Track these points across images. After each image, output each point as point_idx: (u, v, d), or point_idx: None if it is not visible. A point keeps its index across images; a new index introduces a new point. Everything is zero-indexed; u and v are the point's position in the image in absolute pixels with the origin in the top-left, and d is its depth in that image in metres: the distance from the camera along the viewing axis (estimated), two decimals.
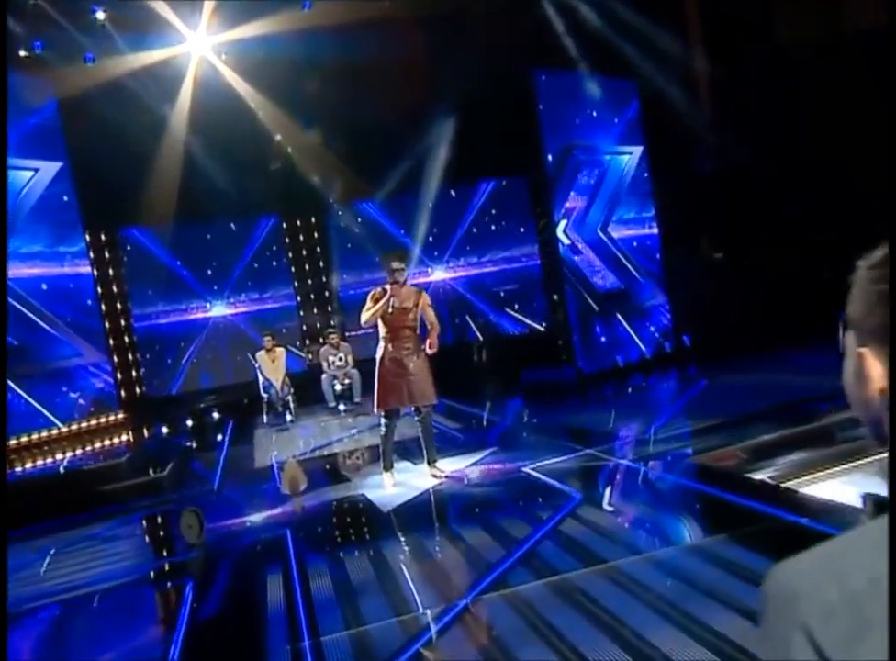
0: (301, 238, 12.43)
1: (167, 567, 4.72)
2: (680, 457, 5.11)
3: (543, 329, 11.83)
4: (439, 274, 12.04)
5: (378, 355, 5.48)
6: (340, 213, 12.20)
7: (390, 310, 5.34)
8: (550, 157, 9.90)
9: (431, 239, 11.76)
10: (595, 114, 10.40)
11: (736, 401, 6.61)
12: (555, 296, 10.62)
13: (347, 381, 9.99)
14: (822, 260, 9.60)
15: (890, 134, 6.03)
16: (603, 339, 10.13)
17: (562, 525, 4.16)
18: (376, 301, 5.38)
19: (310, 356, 11.91)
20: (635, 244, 10.68)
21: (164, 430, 10.08)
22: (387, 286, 5.41)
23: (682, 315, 10.69)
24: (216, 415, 10.89)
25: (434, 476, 5.64)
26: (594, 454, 5.62)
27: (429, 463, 5.72)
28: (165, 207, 10.49)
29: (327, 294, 12.50)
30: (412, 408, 5.58)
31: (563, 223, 10.02)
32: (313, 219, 12.47)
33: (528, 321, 11.96)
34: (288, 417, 9.77)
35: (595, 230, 10.39)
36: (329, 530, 4.97)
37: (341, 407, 9.97)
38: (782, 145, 9.81)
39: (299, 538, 4.67)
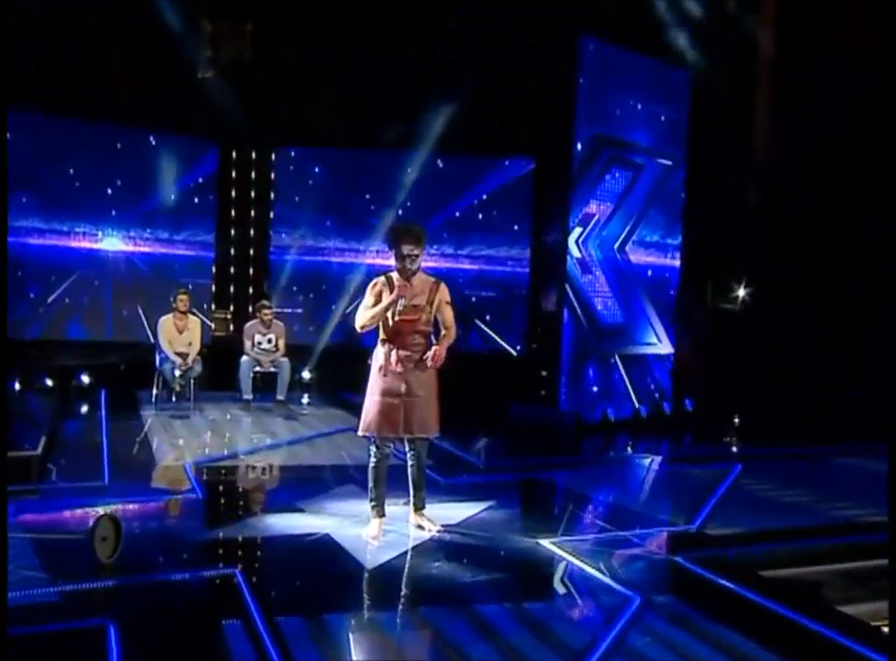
0: (235, 174, 11.78)
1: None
2: (744, 567, 4.89)
3: (514, 353, 11.58)
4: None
5: (374, 364, 5.06)
6: (294, 155, 11.62)
7: (398, 311, 4.93)
8: (579, 145, 9.66)
9: (401, 212, 11.33)
10: (639, 106, 10.23)
11: (781, 494, 6.54)
12: (542, 318, 10.42)
13: (273, 370, 9.45)
14: (868, 336, 10.00)
15: None
16: (595, 386, 9.96)
17: (626, 637, 3.82)
18: (378, 298, 4.95)
19: (213, 326, 11.32)
20: (650, 273, 10.60)
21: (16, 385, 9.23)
22: (393, 275, 4.98)
23: (688, 372, 10.68)
24: (85, 378, 10.05)
25: (421, 527, 5.26)
26: (630, 540, 5.34)
27: (415, 509, 5.35)
28: (65, 90, 9.87)
29: (252, 252, 11.92)
30: (403, 438, 5.20)
31: (577, 232, 9.77)
32: (254, 154, 11.86)
33: (498, 340, 11.69)
34: (188, 401, 9.13)
35: (612, 247, 10.20)
36: (284, 582, 4.42)
37: (261, 401, 9.42)
38: (852, 188, 9.98)
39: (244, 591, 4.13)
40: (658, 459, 8.70)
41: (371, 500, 5.19)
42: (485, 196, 11.74)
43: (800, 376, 10.26)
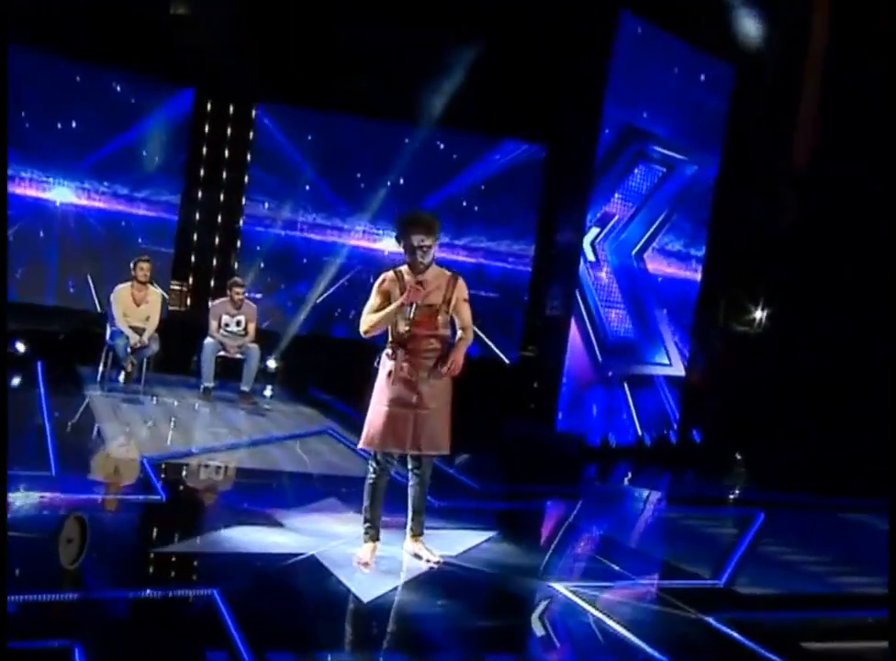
0: (209, 129, 11.59)
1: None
2: (784, 636, 4.85)
3: (507, 361, 11.51)
4: (385, 243, 11.56)
5: (382, 370, 4.94)
6: (278, 114, 11.43)
7: (410, 316, 4.82)
8: (607, 131, 9.58)
9: (389, 185, 11.26)
10: (676, 97, 10.14)
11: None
12: (546, 324, 10.31)
13: (239, 356, 9.29)
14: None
15: None
16: (595, 407, 9.93)
17: None
18: (386, 297, 4.83)
19: (167, 298, 11.13)
20: (668, 285, 10.55)
21: None
22: (403, 270, 4.86)
23: (698, 399, 10.68)
24: (19, 346, 9.78)
25: (418, 556, 5.15)
26: (653, 592, 5.27)
27: (413, 534, 5.24)
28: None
29: (221, 219, 11.75)
30: (407, 454, 5.08)
31: (594, 232, 9.72)
32: (232, 108, 11.66)
33: (490, 345, 11.62)
34: (138, 384, 8.94)
35: (629, 253, 10.17)
36: (270, 610, 4.27)
37: (221, 390, 9.20)
38: None
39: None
40: (668, 496, 8.66)
41: (365, 521, 5.05)
42: (488, 182, 11.69)
43: (822, 412, 10.29)
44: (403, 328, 4.81)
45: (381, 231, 11.60)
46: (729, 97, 10.48)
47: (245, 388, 9.23)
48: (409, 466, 5.15)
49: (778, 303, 10.92)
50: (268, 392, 10.22)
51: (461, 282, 4.94)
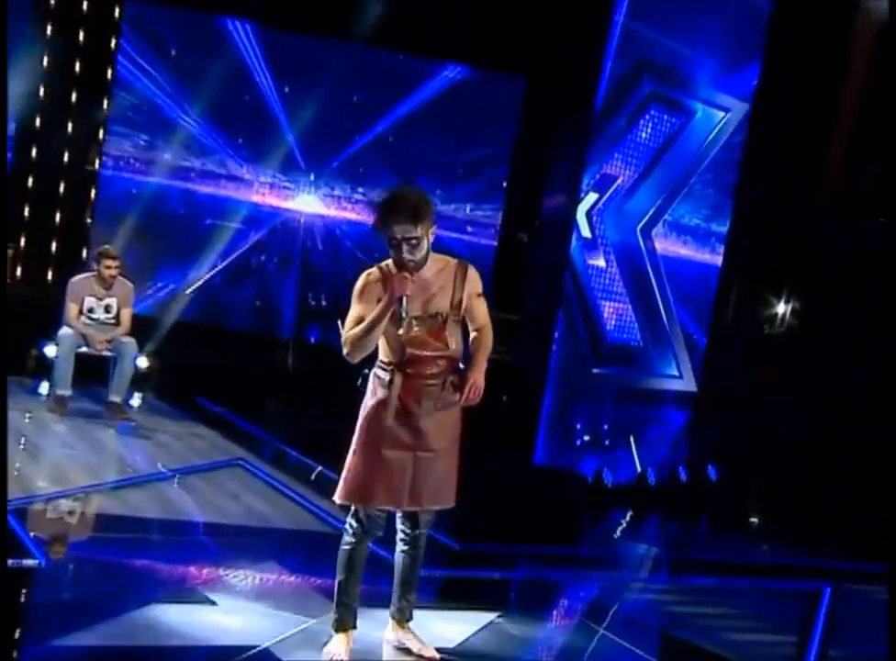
0: (53, 29, 11.30)
1: None
2: None
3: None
4: (307, 204, 11.56)
5: (370, 397, 4.87)
6: (149, 14, 11.21)
7: (405, 314, 4.77)
8: (608, 67, 9.68)
9: (306, 121, 11.19)
10: (701, 28, 10.36)
11: None
12: (526, 320, 10.34)
13: (108, 354, 9.13)
14: None
15: None
16: (586, 432, 10.06)
17: None
18: (372, 297, 4.73)
19: None
20: (672, 265, 10.85)
21: None
22: (391, 266, 4.77)
23: (715, 423, 10.88)
24: None
25: (406, 649, 5.10)
26: None
27: (398, 620, 5.18)
28: None
29: (69, 158, 11.49)
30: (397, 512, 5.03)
31: (591, 200, 9.87)
32: (86, 4, 11.39)
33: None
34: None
35: (635, 228, 10.37)
36: None
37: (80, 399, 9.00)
38: None
39: None
40: (686, 560, 8.72)
41: (338, 603, 4.93)
42: (440, 123, 11.62)
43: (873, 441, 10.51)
44: (399, 335, 4.72)
45: (294, 185, 11.44)
46: (766, 27, 10.70)
47: (116, 398, 9.04)
48: (400, 526, 5.05)
49: (825, 297, 11.09)
50: (136, 400, 10.05)
51: (472, 272, 4.85)
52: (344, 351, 4.74)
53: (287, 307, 11.79)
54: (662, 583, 8.08)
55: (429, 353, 4.78)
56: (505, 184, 11.33)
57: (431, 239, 4.73)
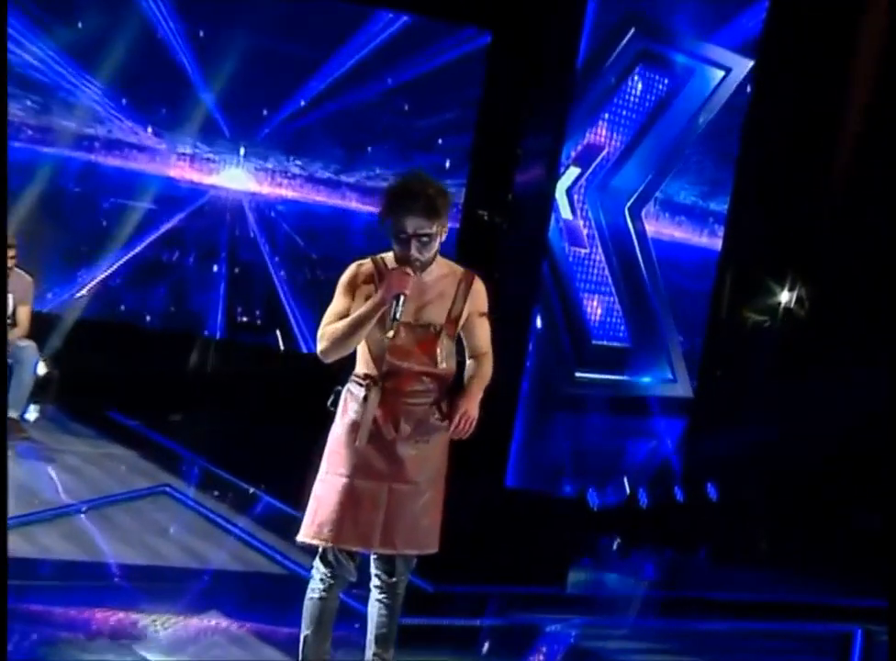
0: None
1: None
2: None
3: None
4: (234, 179, 11.52)
5: (342, 417, 4.86)
6: None
7: (391, 327, 4.74)
8: (590, 20, 9.69)
9: (230, 81, 11.13)
10: None
11: None
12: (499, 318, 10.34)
13: None
14: None
15: None
16: (568, 448, 10.07)
17: None
18: (359, 293, 4.76)
19: None
20: (666, 250, 10.89)
21: None
22: (387, 258, 4.78)
23: (714, 434, 10.92)
24: None
25: None
26: None
27: None
28: None
29: None
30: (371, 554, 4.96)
31: (572, 175, 9.91)
32: None
33: None
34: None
35: (622, 207, 10.41)
36: None
37: None
38: None
39: None
40: (692, 600, 8.70)
41: None
42: (391, 82, 11.59)
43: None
44: (381, 341, 4.70)
45: (218, 156, 11.41)
46: None
47: (12, 413, 8.92)
48: (375, 571, 4.99)
49: (841, 286, 11.15)
50: (32, 413, 9.93)
51: (478, 286, 4.84)
52: (319, 347, 4.76)
53: (215, 301, 11.67)
54: (659, 628, 8.12)
55: (412, 367, 4.78)
56: (469, 156, 11.18)
57: (443, 237, 4.76)
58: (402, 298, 4.60)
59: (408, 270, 4.63)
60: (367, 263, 4.80)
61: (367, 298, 4.71)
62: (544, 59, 9.97)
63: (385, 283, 4.65)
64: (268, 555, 7.22)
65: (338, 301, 4.78)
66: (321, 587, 4.91)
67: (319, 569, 4.92)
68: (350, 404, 4.82)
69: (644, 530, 10.10)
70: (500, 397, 9.62)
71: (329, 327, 4.74)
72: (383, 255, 4.81)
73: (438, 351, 4.79)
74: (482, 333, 4.93)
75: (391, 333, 4.67)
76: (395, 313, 4.61)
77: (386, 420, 4.79)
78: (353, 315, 4.69)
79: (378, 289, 4.69)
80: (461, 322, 4.83)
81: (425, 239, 4.64)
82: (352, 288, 4.78)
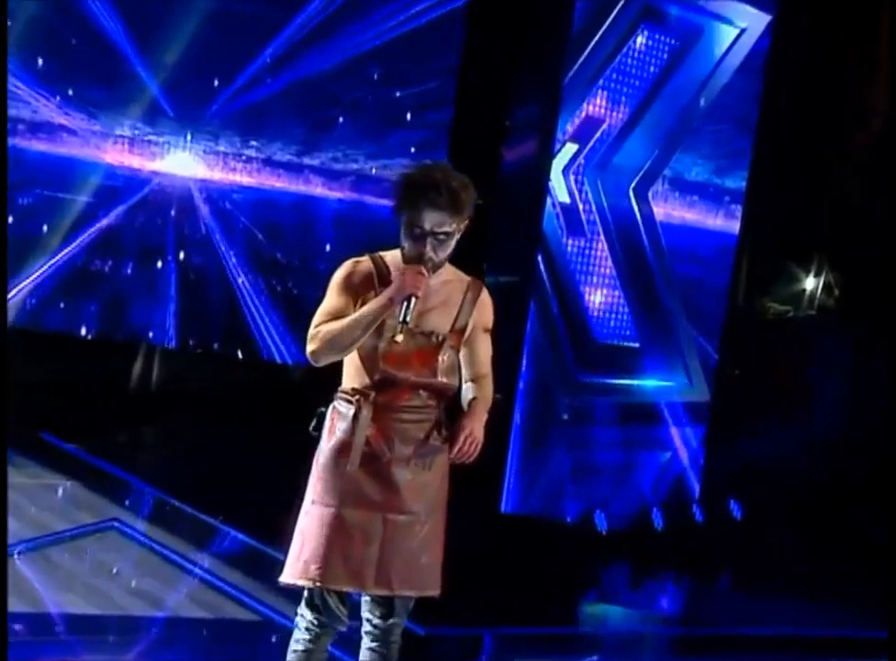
0: None
1: None
2: None
3: None
4: (181, 165, 11.53)
5: (329, 440, 4.86)
6: None
7: (400, 330, 4.72)
8: None
9: (177, 55, 11.11)
10: None
11: None
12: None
13: None
14: None
15: None
16: (570, 465, 10.03)
17: None
18: (355, 297, 4.79)
19: None
20: (677, 235, 10.83)
21: None
22: (387, 258, 4.84)
23: (737, 448, 10.87)
24: None
25: None
26: None
27: None
28: None
29: None
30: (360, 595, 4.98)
31: (569, 152, 9.91)
32: None
33: None
34: None
35: (626, 187, 10.38)
36: None
37: None
38: None
39: None
40: (720, 637, 8.76)
41: None
42: (356, 49, 11.53)
43: None
44: (376, 349, 4.75)
45: (161, 138, 11.34)
46: None
47: None
48: (367, 615, 5.01)
49: (875, 271, 11.13)
50: None
51: (485, 297, 4.92)
52: (310, 348, 4.79)
53: (165, 302, 11.59)
54: None
55: (409, 377, 4.80)
56: (449, 132, 11.11)
57: (457, 236, 4.80)
58: (414, 301, 4.67)
59: (423, 270, 4.69)
60: (365, 261, 4.87)
61: (360, 300, 4.79)
62: (533, 19, 9.89)
63: (396, 282, 4.72)
64: (235, 598, 7.28)
65: (331, 300, 4.83)
66: (307, 637, 4.93)
67: (304, 616, 4.94)
68: (338, 423, 4.86)
69: (659, 555, 10.14)
70: (492, 407, 9.65)
71: (323, 327, 4.78)
72: (381, 254, 4.89)
73: (438, 362, 4.84)
74: (484, 352, 5.00)
75: (400, 336, 4.70)
76: (404, 316, 4.66)
77: (379, 439, 4.82)
78: (355, 315, 4.75)
79: (377, 290, 4.77)
80: (465, 334, 4.92)
81: (442, 237, 4.70)
82: (348, 287, 4.84)
